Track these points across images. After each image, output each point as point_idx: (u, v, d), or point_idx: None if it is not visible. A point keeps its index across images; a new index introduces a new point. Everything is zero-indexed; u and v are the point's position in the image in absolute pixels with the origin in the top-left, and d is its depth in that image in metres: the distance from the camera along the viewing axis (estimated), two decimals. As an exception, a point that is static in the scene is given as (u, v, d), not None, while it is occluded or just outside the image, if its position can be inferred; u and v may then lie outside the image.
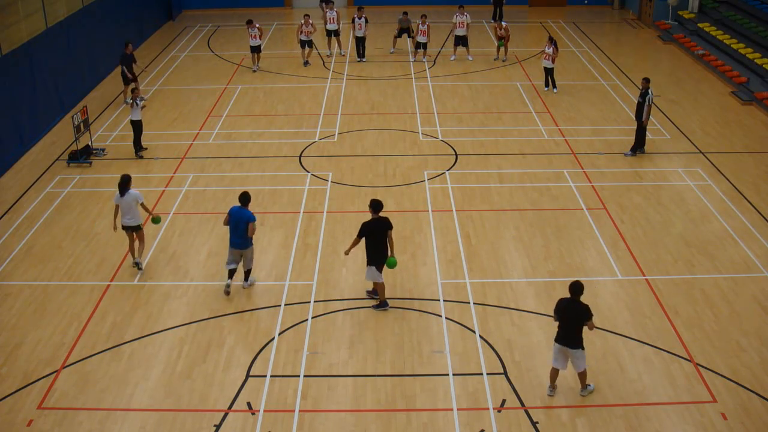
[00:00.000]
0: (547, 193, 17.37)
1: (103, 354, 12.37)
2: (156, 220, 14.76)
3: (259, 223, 16.22)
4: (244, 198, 13.49)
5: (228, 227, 13.59)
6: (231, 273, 13.68)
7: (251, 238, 13.55)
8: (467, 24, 26.73)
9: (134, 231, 14.43)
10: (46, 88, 21.59)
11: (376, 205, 13.11)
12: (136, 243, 14.56)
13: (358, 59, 27.43)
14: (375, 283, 13.30)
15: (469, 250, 15.18)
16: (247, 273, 13.94)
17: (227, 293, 13.71)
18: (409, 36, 28.34)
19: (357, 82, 25.31)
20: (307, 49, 26.87)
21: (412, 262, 14.78)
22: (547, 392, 11.39)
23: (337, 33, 27.65)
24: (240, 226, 13.34)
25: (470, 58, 27.26)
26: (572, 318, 10.95)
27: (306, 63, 26.96)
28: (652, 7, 31.98)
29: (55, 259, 15.12)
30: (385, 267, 13.23)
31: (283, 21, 33.99)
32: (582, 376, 11.24)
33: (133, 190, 14.28)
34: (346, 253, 13.46)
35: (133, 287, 14.16)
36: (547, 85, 24.22)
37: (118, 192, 14.22)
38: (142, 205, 14.31)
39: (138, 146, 19.53)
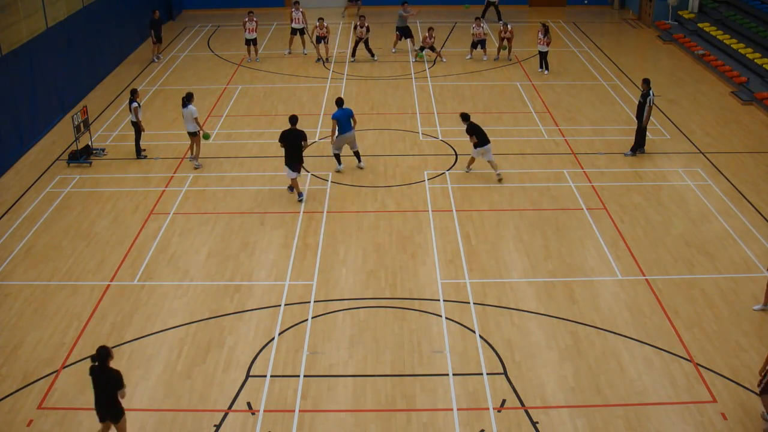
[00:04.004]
0: (547, 193, 17.37)
1: (103, 354, 12.37)
2: (206, 136, 18.64)
3: (259, 223, 16.29)
4: (341, 100, 18.20)
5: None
6: (337, 157, 18.44)
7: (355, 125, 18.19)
8: (484, 33, 27.22)
9: (191, 136, 18.58)
10: (46, 88, 21.58)
11: (292, 118, 17.11)
12: (193, 147, 18.75)
13: (373, 58, 27.62)
14: (291, 180, 17.15)
15: (469, 250, 15.18)
16: (357, 153, 18.54)
17: (338, 171, 18.41)
18: (407, 37, 28.29)
19: (357, 82, 25.31)
20: (322, 44, 27.08)
21: (412, 262, 14.79)
22: (466, 169, 18.37)
23: (303, 32, 27.90)
24: (349, 119, 18.05)
25: (485, 58, 27.34)
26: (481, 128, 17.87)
27: (318, 59, 27.32)
28: (652, 7, 31.98)
29: (55, 259, 15.12)
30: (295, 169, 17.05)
31: (283, 21, 33.94)
32: (493, 163, 17.94)
33: (191, 106, 18.31)
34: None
35: (133, 287, 14.16)
36: (540, 67, 25.64)
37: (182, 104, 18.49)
38: (195, 119, 18.36)
39: (137, 148, 19.57)
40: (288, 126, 16.97)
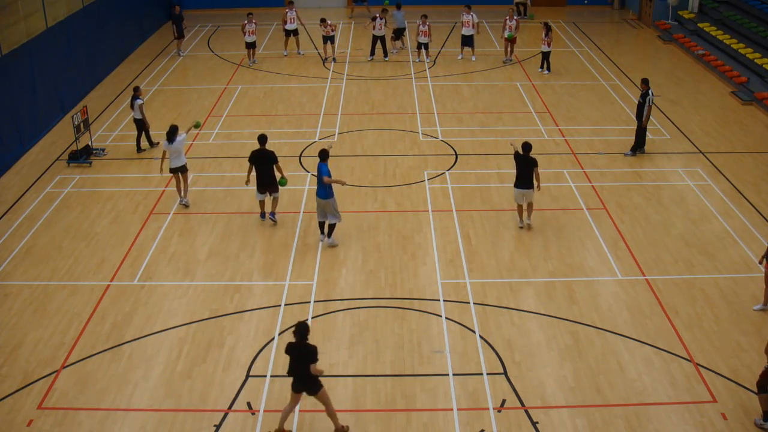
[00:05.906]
0: (547, 193, 17.36)
1: (103, 354, 12.37)
2: (197, 125, 17.48)
3: (259, 223, 16.27)
4: (324, 154, 14.83)
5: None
6: (321, 226, 15.35)
7: (330, 191, 14.79)
8: (473, 23, 26.73)
9: (181, 172, 16.63)
10: (46, 88, 21.59)
11: (260, 138, 15.65)
12: (182, 184, 16.72)
13: (385, 58, 27.52)
14: (260, 202, 16.04)
15: (469, 250, 15.18)
16: (331, 229, 15.18)
17: (322, 241, 15.39)
18: (398, 38, 28.22)
19: (357, 82, 25.31)
20: (328, 44, 27.08)
21: (412, 262, 14.78)
22: (518, 224, 15.84)
23: (296, 33, 27.83)
24: (318, 178, 14.79)
25: (473, 59, 27.25)
26: (526, 167, 15.23)
27: (325, 60, 27.28)
28: (652, 7, 31.98)
29: (55, 259, 15.12)
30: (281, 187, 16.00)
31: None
32: (530, 207, 15.70)
33: (180, 136, 16.39)
34: (246, 182, 15.92)
35: (133, 287, 14.16)
36: (541, 67, 25.82)
37: (166, 140, 16.32)
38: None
39: (137, 145, 19.65)
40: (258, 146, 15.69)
